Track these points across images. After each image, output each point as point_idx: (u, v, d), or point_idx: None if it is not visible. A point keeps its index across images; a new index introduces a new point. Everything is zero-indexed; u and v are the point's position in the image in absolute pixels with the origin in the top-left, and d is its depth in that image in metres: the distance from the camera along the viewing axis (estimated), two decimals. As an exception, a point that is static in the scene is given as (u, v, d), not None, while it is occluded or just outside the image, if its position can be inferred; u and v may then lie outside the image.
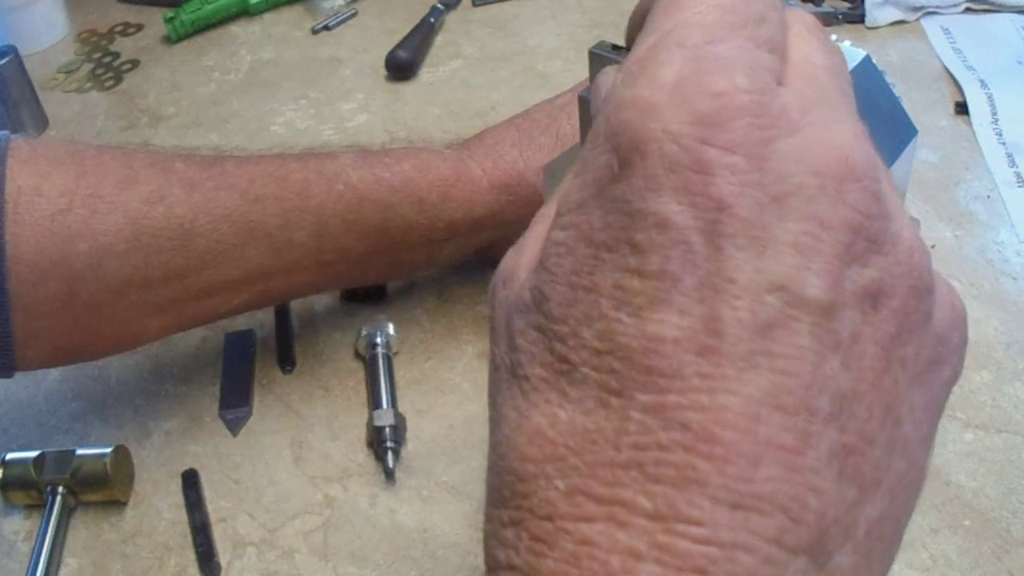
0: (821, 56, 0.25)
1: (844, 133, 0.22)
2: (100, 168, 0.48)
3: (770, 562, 0.19)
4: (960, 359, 0.24)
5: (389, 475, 0.53)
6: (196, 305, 0.52)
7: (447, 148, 0.58)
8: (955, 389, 0.25)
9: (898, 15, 0.86)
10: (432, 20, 0.91)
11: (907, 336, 0.22)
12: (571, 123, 0.57)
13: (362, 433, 0.55)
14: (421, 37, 0.89)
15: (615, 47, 0.31)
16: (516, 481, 0.22)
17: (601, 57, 0.31)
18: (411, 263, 0.58)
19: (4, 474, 0.52)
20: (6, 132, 0.49)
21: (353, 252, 0.54)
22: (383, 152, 0.56)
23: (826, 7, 0.87)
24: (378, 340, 0.59)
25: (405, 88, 0.85)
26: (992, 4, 0.86)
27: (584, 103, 0.33)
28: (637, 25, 0.29)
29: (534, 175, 0.56)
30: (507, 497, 0.22)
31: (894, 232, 0.22)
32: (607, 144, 0.22)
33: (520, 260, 0.25)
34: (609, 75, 0.30)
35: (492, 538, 0.22)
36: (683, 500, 0.19)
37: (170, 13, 0.94)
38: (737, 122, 0.21)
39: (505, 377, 0.24)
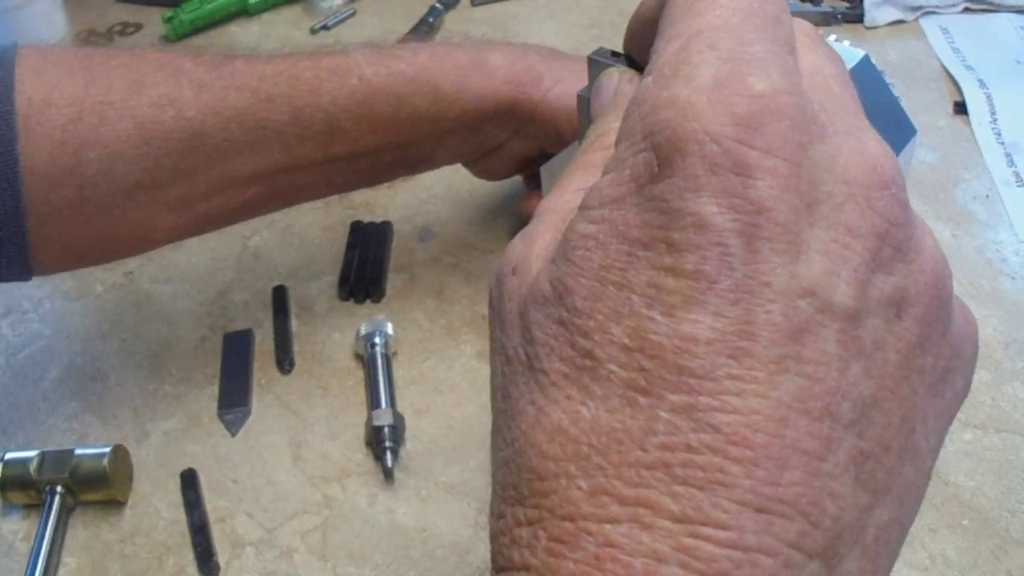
0: (830, 66, 0.25)
1: (870, 142, 0.22)
2: (109, 74, 0.49)
3: (788, 566, 0.19)
4: (971, 372, 0.24)
5: (388, 475, 0.53)
6: (206, 203, 0.52)
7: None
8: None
9: (897, 15, 0.86)
10: (431, 20, 0.91)
11: (927, 346, 0.22)
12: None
13: (361, 433, 0.55)
14: (420, 37, 0.89)
15: (614, 54, 0.31)
16: (535, 479, 0.21)
17: (600, 63, 0.31)
18: (414, 159, 0.59)
19: (3, 474, 0.52)
20: (15, 41, 0.49)
21: (362, 145, 0.55)
22: (398, 46, 0.57)
23: (825, 7, 0.87)
24: (377, 340, 0.59)
25: (404, 88, 0.85)
26: (991, 4, 0.86)
27: (583, 102, 0.33)
28: (637, 33, 0.29)
29: (552, 83, 0.57)
30: (524, 495, 0.22)
31: (918, 240, 0.22)
32: (645, 143, 0.22)
33: (532, 249, 0.25)
34: (612, 76, 0.30)
35: (504, 536, 0.22)
36: (709, 503, 0.19)
37: (169, 13, 0.94)
38: (777, 124, 0.21)
39: (520, 370, 0.23)
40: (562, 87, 0.57)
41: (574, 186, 0.26)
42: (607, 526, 0.20)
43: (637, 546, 0.19)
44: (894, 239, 0.22)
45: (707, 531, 0.19)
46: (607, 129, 0.28)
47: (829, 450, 0.20)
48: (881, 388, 0.21)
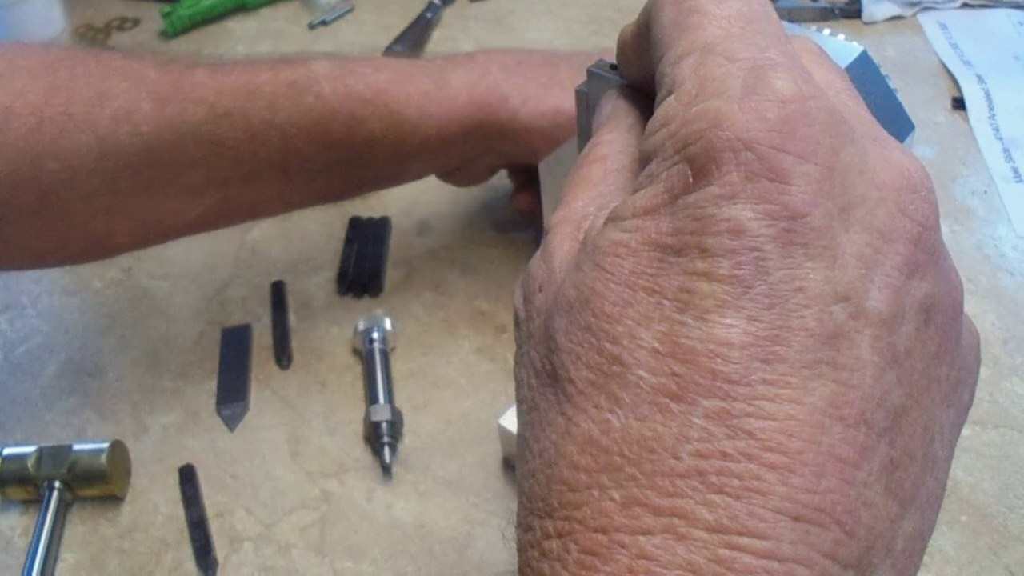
0: (839, 80, 0.25)
1: (894, 150, 0.22)
2: (73, 82, 0.49)
3: None
4: (975, 384, 0.24)
5: (386, 470, 0.53)
6: (161, 212, 0.53)
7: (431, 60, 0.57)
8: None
9: (895, 10, 0.86)
10: (429, 15, 0.91)
11: (943, 355, 0.22)
12: (569, 72, 0.57)
13: (359, 428, 0.55)
14: (418, 32, 0.89)
15: (612, 66, 0.31)
16: (566, 490, 0.21)
17: (598, 75, 0.31)
18: (377, 178, 0.58)
19: (1, 469, 0.52)
20: None
21: (317, 163, 0.54)
22: (362, 60, 0.55)
23: (823, 2, 0.87)
24: (375, 335, 0.59)
25: (402, 83, 0.85)
26: (989, -1, 0.86)
27: (581, 97, 0.33)
28: (630, 48, 0.29)
29: (519, 102, 0.55)
30: (554, 507, 0.21)
31: (943, 244, 0.22)
32: (678, 156, 0.22)
33: (553, 263, 0.25)
34: (612, 94, 0.30)
35: (533, 549, 0.22)
36: (745, 512, 0.19)
37: (167, 8, 0.94)
38: (809, 129, 0.21)
39: (547, 382, 0.23)
40: (531, 106, 0.55)
41: (579, 200, 0.26)
42: (641, 538, 0.19)
43: (672, 558, 0.19)
44: (927, 243, 0.22)
45: (744, 541, 0.19)
46: (599, 141, 0.28)
47: (864, 458, 0.20)
48: (909, 397, 0.21)
